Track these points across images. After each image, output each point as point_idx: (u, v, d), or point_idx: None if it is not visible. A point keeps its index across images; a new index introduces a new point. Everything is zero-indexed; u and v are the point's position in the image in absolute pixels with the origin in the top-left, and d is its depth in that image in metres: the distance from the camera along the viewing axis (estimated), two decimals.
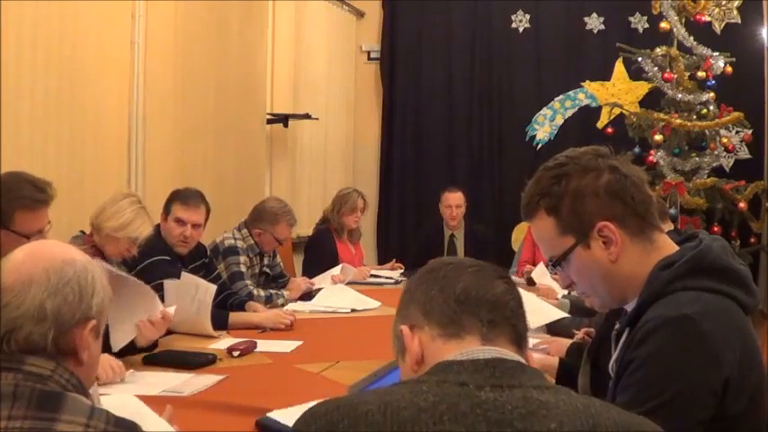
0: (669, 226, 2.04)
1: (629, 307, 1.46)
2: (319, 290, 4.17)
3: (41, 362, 1.17)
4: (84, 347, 1.22)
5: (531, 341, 2.94)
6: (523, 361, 1.12)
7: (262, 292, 3.86)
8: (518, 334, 1.15)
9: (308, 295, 4.08)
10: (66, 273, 1.21)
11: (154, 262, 3.26)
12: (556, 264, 1.50)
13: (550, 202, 1.47)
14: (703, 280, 1.39)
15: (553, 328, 3.24)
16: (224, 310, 3.42)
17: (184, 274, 3.18)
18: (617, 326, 1.49)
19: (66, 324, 1.19)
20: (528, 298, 3.39)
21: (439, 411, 1.00)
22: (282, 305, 3.89)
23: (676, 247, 1.47)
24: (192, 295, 3.10)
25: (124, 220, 2.91)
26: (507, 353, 1.11)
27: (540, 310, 3.33)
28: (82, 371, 1.23)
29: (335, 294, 4.09)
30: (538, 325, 3.27)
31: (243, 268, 3.91)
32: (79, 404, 1.14)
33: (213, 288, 3.17)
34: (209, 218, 3.57)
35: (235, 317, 3.37)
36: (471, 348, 1.11)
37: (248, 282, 3.88)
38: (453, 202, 5.51)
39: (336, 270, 4.39)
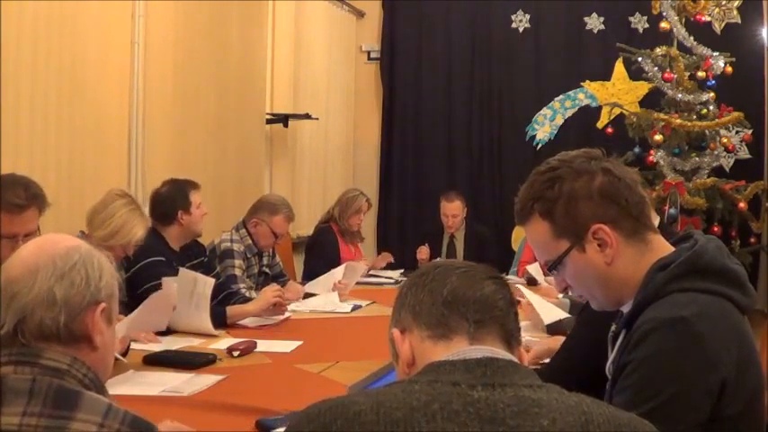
0: (656, 217, 2.04)
1: (626, 309, 1.46)
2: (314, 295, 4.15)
3: (58, 355, 1.17)
4: (96, 331, 1.22)
5: (532, 339, 2.97)
6: (515, 360, 1.13)
7: (254, 294, 3.85)
8: (508, 333, 1.15)
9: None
10: (71, 257, 1.22)
11: (149, 263, 3.25)
12: (551, 267, 1.51)
13: (544, 206, 1.47)
14: (699, 281, 1.39)
15: (552, 328, 3.24)
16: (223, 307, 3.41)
17: (182, 270, 3.18)
18: (613, 327, 1.49)
19: (76, 308, 1.20)
20: (531, 298, 3.41)
21: (431, 410, 1.01)
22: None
23: (671, 248, 1.47)
24: (190, 290, 3.10)
25: (112, 228, 2.87)
26: (499, 352, 1.12)
27: (541, 309, 3.33)
28: (97, 358, 1.22)
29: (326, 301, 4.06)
30: (539, 324, 3.27)
31: (237, 272, 3.91)
32: (96, 403, 1.13)
33: (212, 281, 3.16)
34: None
35: (231, 310, 3.36)
36: (461, 348, 1.12)
37: (241, 285, 3.87)
38: (450, 212, 5.49)
39: (339, 273, 4.32)
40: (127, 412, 1.15)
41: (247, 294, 3.79)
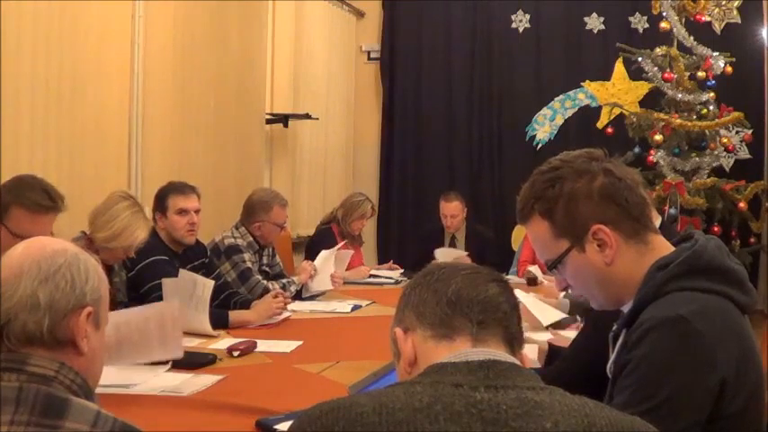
0: (657, 218, 2.05)
1: (626, 308, 1.46)
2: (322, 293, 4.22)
3: (45, 362, 1.15)
4: (81, 335, 1.20)
5: (532, 336, 2.97)
6: (517, 362, 1.12)
7: (276, 285, 3.89)
8: (510, 335, 1.15)
9: (298, 295, 4.09)
10: (56, 261, 1.20)
11: (152, 262, 3.25)
12: (551, 267, 1.51)
13: (545, 206, 1.47)
14: (699, 280, 1.39)
15: (554, 325, 3.25)
16: (225, 309, 3.42)
17: (182, 272, 3.17)
18: (614, 327, 1.49)
19: (60, 312, 1.18)
20: (527, 300, 3.42)
21: (434, 411, 1.01)
22: (298, 293, 4.02)
23: (671, 248, 1.47)
24: (190, 292, 3.09)
25: (114, 230, 2.86)
26: (501, 354, 1.12)
27: (539, 313, 3.33)
28: (85, 363, 1.21)
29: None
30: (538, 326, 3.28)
31: (250, 264, 3.93)
32: (84, 410, 1.11)
33: (211, 283, 3.15)
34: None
35: (233, 315, 3.37)
36: (463, 350, 1.12)
37: (260, 276, 3.90)
38: (449, 212, 5.49)
39: (330, 256, 4.31)
40: (116, 419, 1.13)
41: (270, 287, 3.84)
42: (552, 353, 2.52)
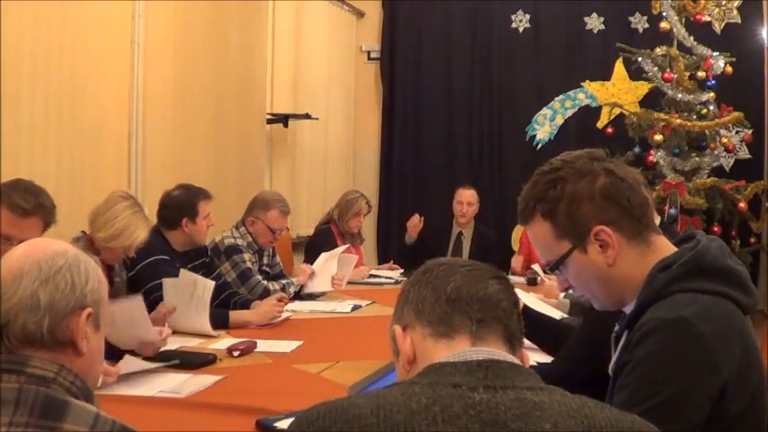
0: (656, 218, 2.06)
1: (628, 309, 1.46)
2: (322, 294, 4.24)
3: (45, 363, 1.15)
4: (81, 336, 1.20)
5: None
6: (517, 361, 1.12)
7: (276, 285, 3.90)
8: (510, 333, 1.14)
9: (298, 295, 4.09)
10: (56, 262, 1.21)
11: (153, 262, 3.25)
12: (553, 268, 1.50)
13: (546, 207, 1.47)
14: (701, 281, 1.38)
15: None
16: (226, 309, 3.42)
17: (182, 272, 3.17)
18: (616, 328, 1.49)
19: (60, 312, 1.18)
20: (527, 300, 3.42)
21: (432, 413, 1.00)
22: (296, 293, 4.03)
23: (673, 249, 1.47)
24: (190, 292, 3.09)
25: (114, 230, 2.85)
26: (500, 353, 1.11)
27: None
28: (83, 364, 1.21)
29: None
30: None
31: (250, 264, 3.93)
32: (84, 412, 1.12)
33: (212, 284, 3.15)
34: None
35: (234, 315, 3.37)
36: (462, 348, 1.11)
37: (260, 277, 3.90)
38: (465, 199, 5.56)
39: (333, 258, 4.33)
40: (115, 421, 1.13)
41: (271, 287, 3.84)
42: (527, 317, 2.51)
